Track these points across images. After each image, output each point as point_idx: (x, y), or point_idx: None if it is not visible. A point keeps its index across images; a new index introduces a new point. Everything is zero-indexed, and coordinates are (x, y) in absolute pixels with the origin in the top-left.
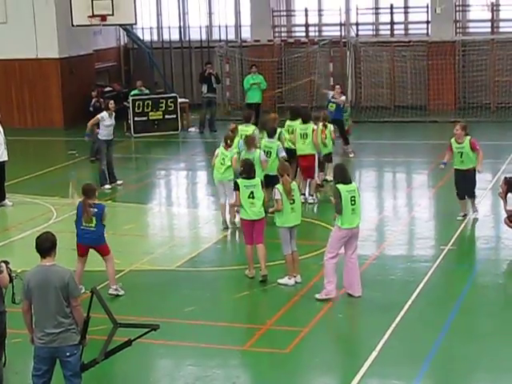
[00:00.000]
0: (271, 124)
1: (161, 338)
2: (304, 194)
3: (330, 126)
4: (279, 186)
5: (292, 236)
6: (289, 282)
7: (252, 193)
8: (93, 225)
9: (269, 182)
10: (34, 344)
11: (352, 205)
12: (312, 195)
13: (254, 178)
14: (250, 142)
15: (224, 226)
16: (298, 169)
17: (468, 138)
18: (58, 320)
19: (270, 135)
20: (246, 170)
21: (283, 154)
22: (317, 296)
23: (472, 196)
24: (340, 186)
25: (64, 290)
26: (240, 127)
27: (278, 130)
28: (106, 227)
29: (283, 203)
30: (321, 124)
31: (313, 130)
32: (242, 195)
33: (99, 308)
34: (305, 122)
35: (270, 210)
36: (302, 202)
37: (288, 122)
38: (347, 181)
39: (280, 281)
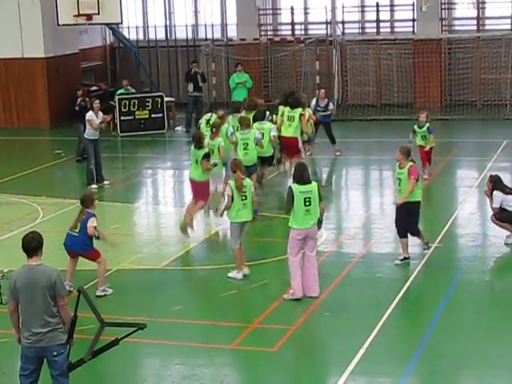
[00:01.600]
0: (261, 108)
1: (148, 337)
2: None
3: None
4: (231, 182)
5: (242, 231)
6: (237, 276)
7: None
8: (76, 230)
9: (263, 162)
10: (21, 344)
11: (306, 206)
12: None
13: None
14: (244, 121)
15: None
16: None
17: (409, 164)
18: (45, 319)
19: (261, 118)
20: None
21: (273, 133)
22: (284, 296)
23: (416, 233)
24: (294, 186)
25: (51, 289)
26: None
27: (267, 113)
28: (92, 238)
29: (234, 199)
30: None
31: (300, 115)
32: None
33: (86, 307)
34: (294, 107)
35: (221, 209)
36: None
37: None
38: (304, 181)
39: (229, 275)
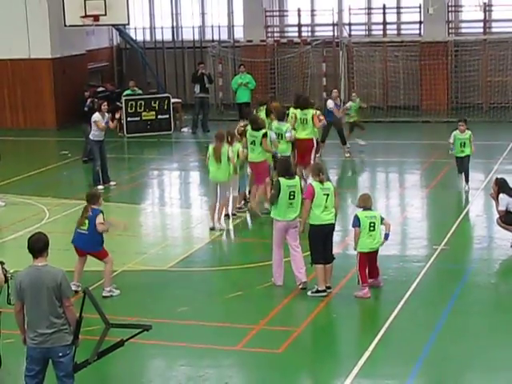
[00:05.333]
0: (280, 108)
1: (153, 339)
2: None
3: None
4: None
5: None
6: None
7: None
8: (85, 228)
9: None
10: (26, 344)
11: (290, 199)
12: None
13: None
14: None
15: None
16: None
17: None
18: (50, 320)
19: (281, 118)
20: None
21: (288, 133)
22: (272, 279)
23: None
24: (282, 180)
25: (56, 290)
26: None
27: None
28: (103, 235)
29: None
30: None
31: (312, 116)
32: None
33: (91, 308)
34: (304, 107)
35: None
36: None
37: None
38: (290, 175)
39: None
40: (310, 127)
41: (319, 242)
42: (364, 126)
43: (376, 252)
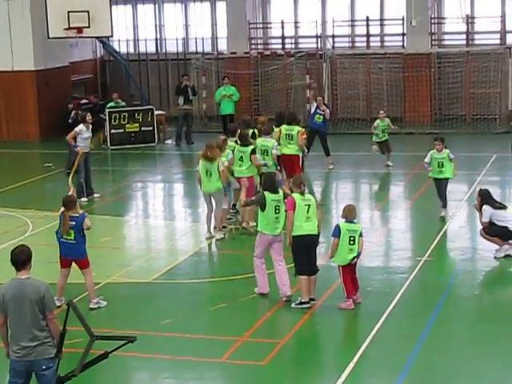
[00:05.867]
0: (266, 124)
1: (137, 351)
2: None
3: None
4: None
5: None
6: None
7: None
8: (71, 237)
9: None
10: (9, 357)
11: (276, 213)
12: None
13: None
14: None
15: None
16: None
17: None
18: (33, 333)
19: (266, 134)
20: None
21: (275, 150)
22: (255, 290)
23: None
24: (267, 194)
25: (40, 302)
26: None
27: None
28: (85, 239)
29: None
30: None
31: (298, 132)
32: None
33: (75, 321)
34: (289, 123)
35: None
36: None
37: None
38: (275, 190)
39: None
40: (295, 143)
41: (303, 252)
42: (391, 147)
43: (354, 265)
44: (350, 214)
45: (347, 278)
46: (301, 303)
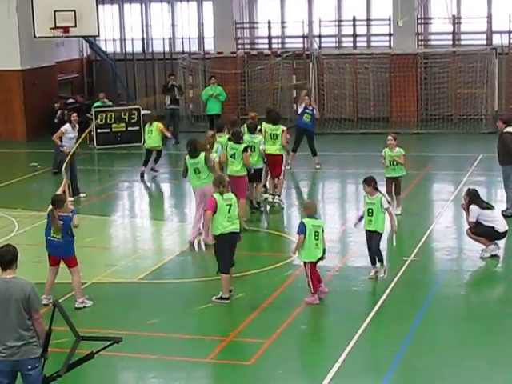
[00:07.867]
0: (252, 120)
1: (123, 351)
2: (273, 195)
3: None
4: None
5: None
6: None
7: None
8: (59, 236)
9: (253, 175)
10: None
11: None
12: (279, 195)
13: None
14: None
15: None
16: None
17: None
18: (19, 333)
19: (252, 131)
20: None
21: (262, 146)
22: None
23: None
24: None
25: (25, 302)
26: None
27: (259, 126)
28: (74, 238)
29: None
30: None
31: (282, 131)
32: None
33: (61, 321)
34: (275, 123)
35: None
36: (270, 202)
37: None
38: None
39: None
40: (280, 143)
41: (226, 251)
42: (401, 189)
43: (318, 261)
44: (310, 210)
45: (313, 274)
46: (221, 298)
